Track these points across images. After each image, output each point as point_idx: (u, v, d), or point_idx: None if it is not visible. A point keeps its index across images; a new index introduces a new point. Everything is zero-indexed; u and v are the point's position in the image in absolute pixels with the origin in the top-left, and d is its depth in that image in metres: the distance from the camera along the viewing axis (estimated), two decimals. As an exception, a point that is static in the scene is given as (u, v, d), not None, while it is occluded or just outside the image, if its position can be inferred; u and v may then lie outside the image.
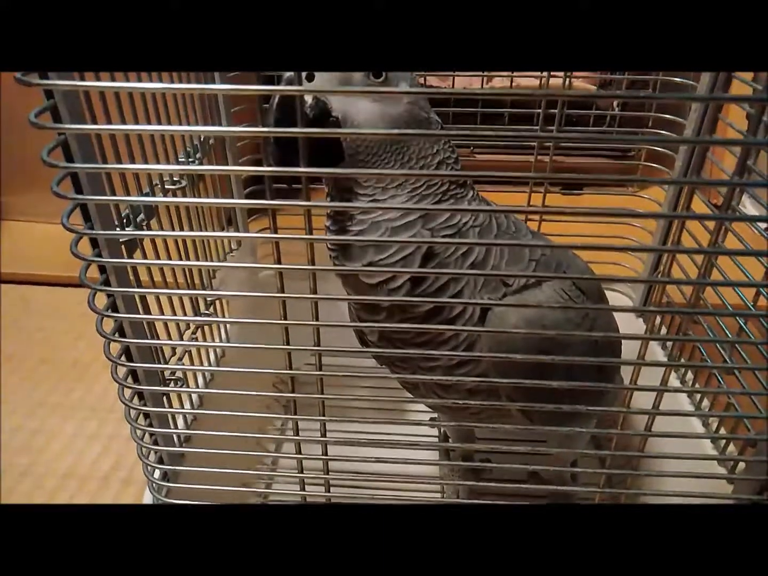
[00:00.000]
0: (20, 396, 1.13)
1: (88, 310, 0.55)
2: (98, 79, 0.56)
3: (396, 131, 0.55)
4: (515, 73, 1.16)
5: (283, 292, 0.52)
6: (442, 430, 0.96)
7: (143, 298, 0.63)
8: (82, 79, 0.51)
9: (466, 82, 1.52)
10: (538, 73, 1.05)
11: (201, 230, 0.83)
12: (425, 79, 1.16)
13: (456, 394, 0.65)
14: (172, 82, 0.74)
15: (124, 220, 0.62)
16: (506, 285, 0.62)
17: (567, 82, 0.96)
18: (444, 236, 0.59)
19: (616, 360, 0.65)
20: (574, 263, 0.69)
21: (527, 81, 1.59)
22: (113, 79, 0.59)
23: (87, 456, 1.01)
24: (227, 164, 0.94)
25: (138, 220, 0.64)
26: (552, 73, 0.95)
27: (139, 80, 0.65)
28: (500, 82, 1.66)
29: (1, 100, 1.35)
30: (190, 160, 0.77)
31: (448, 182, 0.60)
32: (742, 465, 0.71)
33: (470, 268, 0.60)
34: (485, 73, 1.14)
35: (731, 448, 0.76)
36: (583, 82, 1.66)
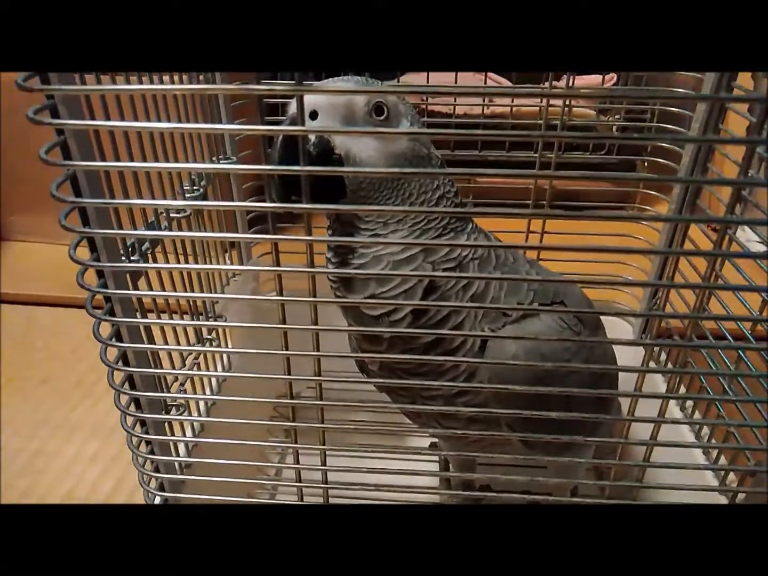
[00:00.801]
0: (22, 417, 1.13)
1: (91, 330, 0.56)
2: (107, 113, 0.58)
3: (397, 170, 0.56)
4: (515, 101, 1.18)
5: (284, 322, 0.53)
6: (442, 458, 0.96)
7: (145, 317, 0.63)
8: (91, 114, 0.53)
9: (467, 107, 1.54)
10: (537, 100, 1.07)
11: (205, 253, 0.84)
12: (426, 108, 1.17)
13: (456, 422, 0.66)
14: (179, 118, 0.76)
15: (129, 249, 0.63)
16: (506, 315, 0.62)
17: (566, 107, 0.97)
18: (445, 269, 0.60)
19: (614, 392, 0.66)
20: (571, 291, 0.70)
21: (527, 108, 1.61)
22: (121, 112, 0.61)
23: (88, 478, 1.01)
24: (231, 191, 0.96)
25: (143, 248, 0.65)
26: (551, 101, 0.97)
27: (147, 115, 0.67)
28: (501, 107, 1.68)
29: (4, 120, 1.37)
30: (194, 188, 0.78)
31: (448, 216, 0.61)
32: (743, 494, 0.71)
33: (471, 300, 0.61)
34: (486, 103, 1.15)
35: (731, 476, 0.76)
36: (582, 108, 1.68)
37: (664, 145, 0.96)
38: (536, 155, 0.96)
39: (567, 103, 0.95)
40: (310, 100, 0.54)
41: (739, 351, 0.70)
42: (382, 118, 0.57)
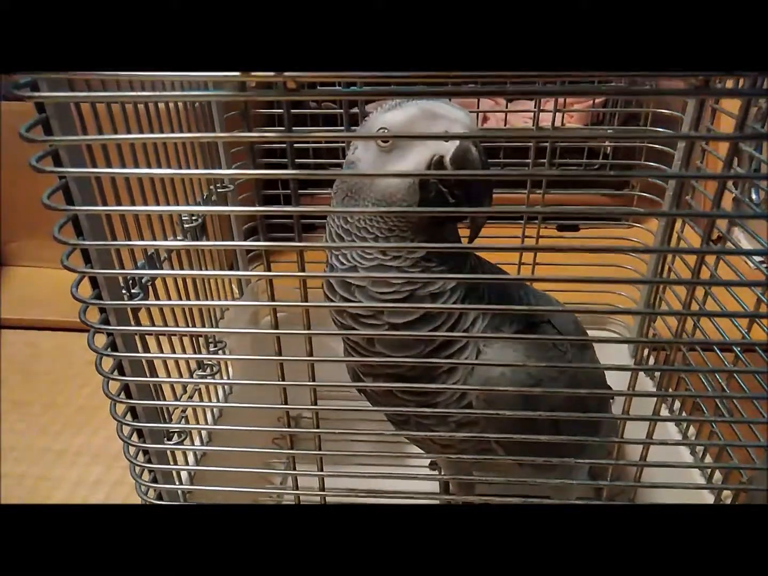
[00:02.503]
0: (26, 442, 1.14)
1: (94, 354, 0.57)
2: (105, 151, 0.60)
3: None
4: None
5: (280, 354, 0.55)
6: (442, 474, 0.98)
7: (146, 347, 0.65)
8: (91, 155, 0.55)
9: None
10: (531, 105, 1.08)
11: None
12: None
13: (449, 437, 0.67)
14: (176, 149, 0.78)
15: (130, 282, 0.65)
16: (498, 330, 0.64)
17: (559, 119, 0.99)
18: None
19: (603, 415, 0.67)
20: (558, 313, 0.72)
21: (519, 120, 1.64)
22: (119, 148, 0.63)
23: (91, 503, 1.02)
24: (229, 216, 0.98)
25: (143, 281, 0.66)
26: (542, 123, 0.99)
27: (144, 150, 0.69)
28: (495, 121, 1.71)
29: (4, 146, 1.39)
30: (193, 218, 0.80)
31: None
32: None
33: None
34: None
35: (726, 492, 0.77)
36: (575, 121, 1.70)
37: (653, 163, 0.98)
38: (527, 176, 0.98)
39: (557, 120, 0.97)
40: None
41: (735, 375, 0.71)
42: None
